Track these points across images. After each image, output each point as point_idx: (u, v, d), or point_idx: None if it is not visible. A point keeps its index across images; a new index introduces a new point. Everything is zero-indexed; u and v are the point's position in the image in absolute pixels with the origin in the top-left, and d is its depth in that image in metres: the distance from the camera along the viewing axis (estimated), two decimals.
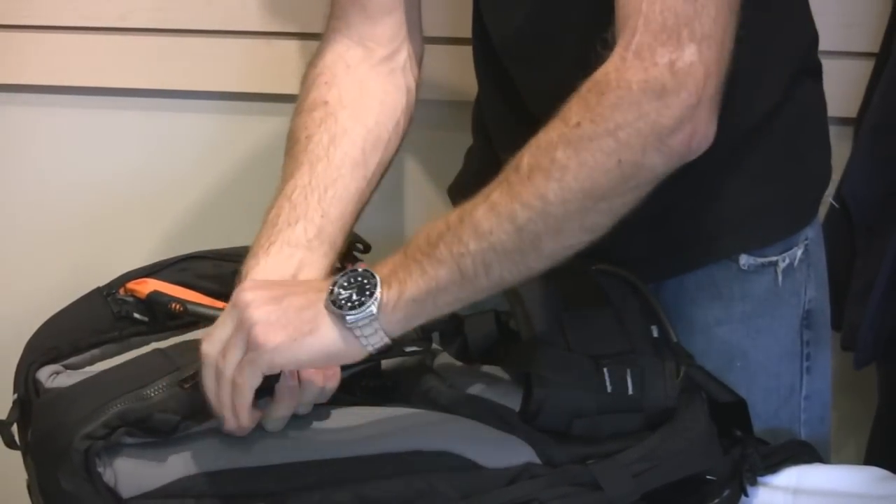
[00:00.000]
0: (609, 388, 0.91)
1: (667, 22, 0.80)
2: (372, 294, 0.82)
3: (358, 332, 0.82)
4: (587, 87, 0.80)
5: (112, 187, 1.60)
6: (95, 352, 0.98)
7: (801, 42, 1.07)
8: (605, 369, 0.91)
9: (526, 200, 0.80)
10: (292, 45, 1.47)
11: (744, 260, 1.05)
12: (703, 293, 1.06)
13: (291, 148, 1.06)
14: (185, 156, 1.57)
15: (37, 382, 0.93)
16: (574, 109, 0.80)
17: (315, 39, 1.45)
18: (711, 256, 1.06)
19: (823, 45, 1.11)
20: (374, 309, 0.81)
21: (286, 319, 0.83)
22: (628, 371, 0.92)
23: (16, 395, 0.95)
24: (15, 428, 0.94)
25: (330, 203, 1.01)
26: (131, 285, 1.01)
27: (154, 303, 0.99)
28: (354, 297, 0.82)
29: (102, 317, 1.00)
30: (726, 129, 0.97)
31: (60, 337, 0.98)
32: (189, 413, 0.86)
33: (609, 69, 0.79)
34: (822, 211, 1.16)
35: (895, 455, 1.30)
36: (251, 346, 0.83)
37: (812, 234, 1.10)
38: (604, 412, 0.91)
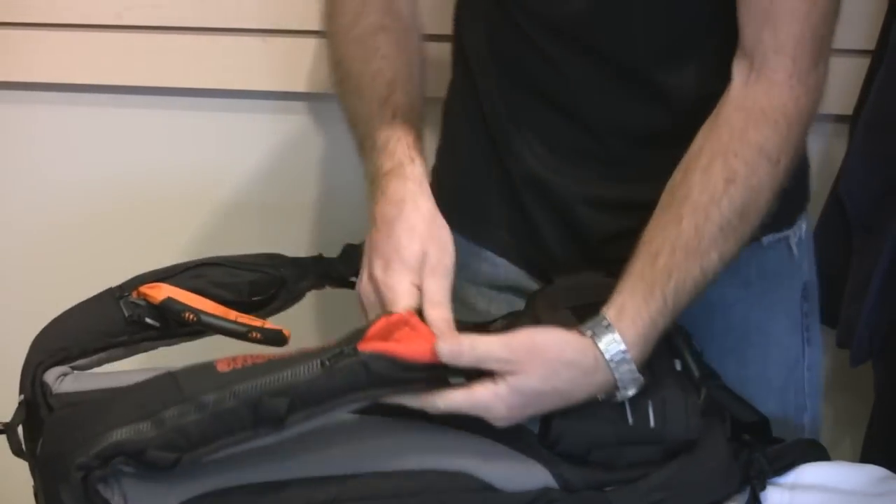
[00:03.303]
0: (630, 421, 0.90)
1: (815, 46, 0.85)
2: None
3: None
4: (774, 118, 0.85)
5: (108, 185, 1.59)
6: (103, 355, 0.96)
7: None
8: (626, 401, 0.91)
9: (723, 251, 0.91)
10: (288, 43, 1.47)
11: (765, 237, 1.08)
12: (725, 272, 1.06)
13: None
14: (181, 153, 1.57)
15: (44, 385, 0.92)
16: (773, 141, 0.86)
17: (311, 36, 1.46)
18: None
19: None
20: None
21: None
22: (650, 403, 0.91)
23: (22, 397, 0.93)
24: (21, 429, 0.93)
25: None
26: (144, 289, 0.99)
27: (167, 310, 0.97)
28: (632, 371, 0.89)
29: (114, 320, 0.98)
30: None
31: (69, 338, 0.97)
32: (192, 445, 0.82)
33: (786, 99, 0.84)
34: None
35: (892, 453, 1.30)
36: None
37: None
38: (624, 443, 0.90)
